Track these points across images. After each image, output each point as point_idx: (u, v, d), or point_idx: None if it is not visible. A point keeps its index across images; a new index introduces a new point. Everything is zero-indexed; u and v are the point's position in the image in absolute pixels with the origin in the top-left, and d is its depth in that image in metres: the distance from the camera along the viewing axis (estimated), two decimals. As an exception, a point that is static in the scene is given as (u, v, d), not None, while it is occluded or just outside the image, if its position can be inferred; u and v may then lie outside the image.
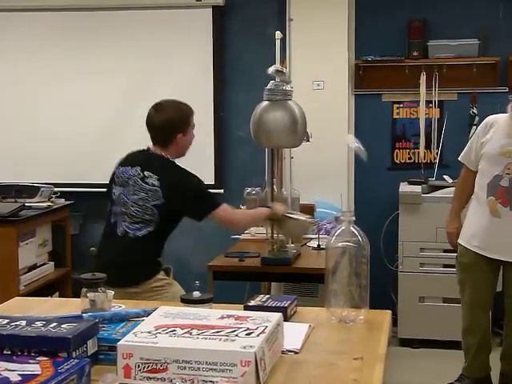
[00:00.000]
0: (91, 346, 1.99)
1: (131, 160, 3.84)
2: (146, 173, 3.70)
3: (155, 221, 3.68)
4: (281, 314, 2.14)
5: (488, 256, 4.28)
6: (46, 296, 4.92)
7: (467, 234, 4.39)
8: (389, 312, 2.61)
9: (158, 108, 3.86)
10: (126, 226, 3.69)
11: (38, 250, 5.54)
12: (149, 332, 1.95)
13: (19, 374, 1.73)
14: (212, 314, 2.10)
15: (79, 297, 2.41)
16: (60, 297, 5.49)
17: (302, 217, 4.25)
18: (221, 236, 4.87)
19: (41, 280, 5.50)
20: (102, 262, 3.36)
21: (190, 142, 3.94)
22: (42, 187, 5.62)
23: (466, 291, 4.43)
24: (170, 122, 3.81)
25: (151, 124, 3.85)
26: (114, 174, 3.86)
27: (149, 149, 3.85)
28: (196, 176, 3.80)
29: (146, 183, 3.67)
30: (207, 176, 6.03)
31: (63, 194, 5.89)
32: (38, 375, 1.73)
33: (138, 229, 3.68)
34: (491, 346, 4.54)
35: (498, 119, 4.32)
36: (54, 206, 5.69)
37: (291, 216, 4.13)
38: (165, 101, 3.91)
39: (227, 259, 4.39)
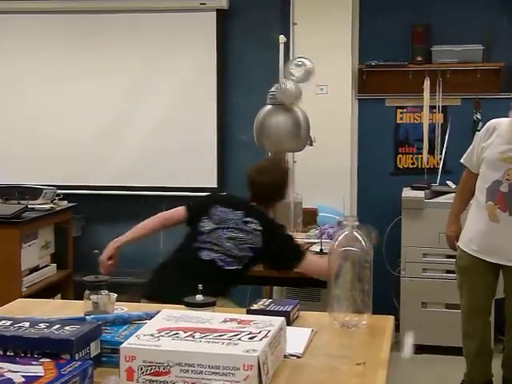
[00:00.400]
0: (94, 349, 1.99)
1: (233, 204, 3.90)
2: (248, 219, 3.79)
3: (245, 262, 3.76)
4: (284, 318, 2.14)
5: (486, 259, 4.28)
6: (48, 298, 4.92)
7: (466, 237, 4.39)
8: (392, 317, 2.60)
9: (266, 174, 3.97)
10: (216, 256, 3.73)
11: (40, 251, 5.54)
12: (151, 335, 1.95)
13: (22, 376, 1.73)
14: (215, 318, 2.10)
15: (81, 299, 2.41)
16: (62, 299, 5.48)
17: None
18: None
19: (43, 282, 5.50)
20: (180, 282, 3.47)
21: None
22: (45, 189, 5.63)
23: (463, 295, 4.44)
24: (277, 191, 3.97)
25: (260, 187, 3.94)
26: (206, 208, 3.88)
27: (248, 200, 3.95)
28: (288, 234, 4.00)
29: (248, 227, 3.77)
30: (210, 179, 6.07)
31: (66, 196, 5.89)
32: (40, 377, 1.73)
33: (227, 263, 3.73)
34: (492, 351, 4.54)
35: (500, 124, 4.30)
36: (57, 208, 5.69)
37: None
38: (266, 163, 4.16)
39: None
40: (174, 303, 2.57)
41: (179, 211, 4.01)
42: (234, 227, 3.78)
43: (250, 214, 3.82)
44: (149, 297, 3.65)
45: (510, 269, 4.27)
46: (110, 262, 4.00)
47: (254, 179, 3.95)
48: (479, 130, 5.32)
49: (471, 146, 4.44)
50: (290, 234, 4.02)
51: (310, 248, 4.80)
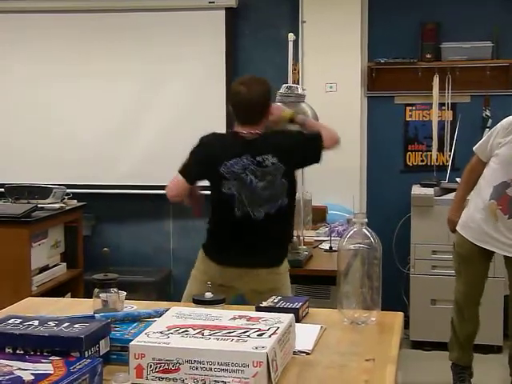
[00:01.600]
0: (103, 346, 1.99)
1: (234, 150, 3.65)
2: (258, 158, 3.61)
3: (288, 190, 3.66)
4: (293, 315, 2.14)
5: (485, 247, 4.40)
6: (58, 297, 4.93)
7: (466, 224, 4.48)
8: (401, 314, 2.60)
9: (246, 85, 3.69)
10: (264, 209, 3.62)
11: (50, 251, 5.55)
12: (161, 332, 1.95)
13: (32, 374, 1.73)
14: (224, 315, 2.11)
15: (91, 298, 2.42)
16: (72, 298, 5.49)
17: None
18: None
19: (53, 281, 5.51)
20: (240, 248, 3.64)
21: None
22: (55, 188, 5.64)
23: (462, 281, 4.53)
24: (262, 98, 3.69)
25: (242, 102, 3.67)
26: (215, 169, 3.64)
27: (239, 132, 3.70)
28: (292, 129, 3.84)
29: (266, 166, 3.60)
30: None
31: (76, 196, 5.90)
32: (50, 374, 1.73)
33: (277, 205, 3.63)
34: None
35: None
36: (67, 208, 5.70)
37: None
38: (248, 77, 3.81)
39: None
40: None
41: (181, 186, 3.76)
42: (253, 173, 3.60)
43: (255, 152, 3.61)
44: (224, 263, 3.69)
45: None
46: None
47: (241, 99, 3.66)
48: (489, 127, 5.39)
49: (486, 137, 4.45)
50: (294, 132, 3.83)
51: (319, 246, 4.82)
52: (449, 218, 4.64)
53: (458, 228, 4.53)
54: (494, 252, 4.48)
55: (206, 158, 3.73)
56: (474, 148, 4.49)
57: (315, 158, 3.75)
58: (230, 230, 3.71)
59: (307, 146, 3.73)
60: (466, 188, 4.57)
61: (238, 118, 3.72)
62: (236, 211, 3.63)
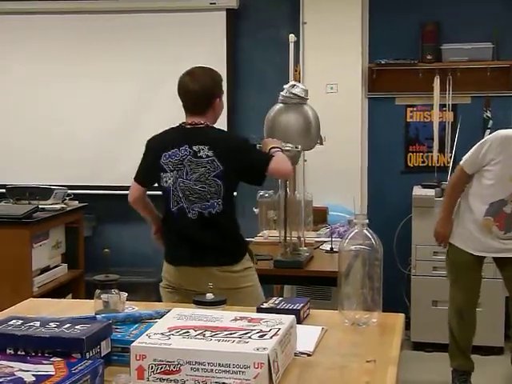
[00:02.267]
0: (105, 347, 2.00)
1: (173, 141, 3.66)
2: (194, 148, 3.57)
3: (221, 194, 3.58)
4: (294, 316, 2.14)
5: (483, 255, 4.52)
6: (59, 298, 4.93)
7: (460, 235, 4.56)
8: (402, 315, 2.60)
9: (192, 75, 3.73)
10: (197, 207, 3.57)
11: (51, 251, 5.55)
12: (162, 333, 1.95)
13: (33, 375, 1.73)
14: (225, 316, 2.10)
15: (92, 299, 2.42)
16: (73, 299, 5.49)
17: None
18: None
19: (54, 282, 5.51)
20: (183, 249, 3.61)
21: (223, 108, 3.85)
22: (56, 189, 5.64)
23: (459, 289, 4.59)
24: (207, 87, 3.67)
25: (188, 91, 3.69)
26: (157, 163, 3.65)
27: (184, 123, 3.71)
28: (241, 135, 3.78)
29: (201, 157, 3.55)
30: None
31: (77, 196, 5.90)
32: (51, 376, 1.73)
33: (209, 206, 3.57)
34: None
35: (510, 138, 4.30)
36: (68, 208, 5.70)
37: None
38: (196, 68, 3.79)
39: (240, 262, 4.38)
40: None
41: (134, 190, 3.90)
42: (190, 167, 3.56)
43: (194, 141, 3.58)
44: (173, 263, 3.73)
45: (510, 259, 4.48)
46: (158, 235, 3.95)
47: (184, 88, 3.71)
48: (490, 128, 5.40)
49: (474, 152, 4.43)
50: (241, 139, 3.81)
51: (320, 247, 4.81)
52: (438, 232, 4.66)
53: (452, 240, 4.59)
54: (484, 257, 4.58)
55: (148, 154, 3.78)
56: (462, 163, 4.50)
57: (254, 175, 3.66)
58: (173, 226, 3.71)
59: (251, 156, 3.65)
60: (451, 201, 4.62)
61: (184, 109, 3.75)
62: (172, 206, 3.64)
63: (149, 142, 3.82)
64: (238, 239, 3.74)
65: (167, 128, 3.83)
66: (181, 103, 6.20)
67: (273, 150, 3.73)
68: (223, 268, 3.59)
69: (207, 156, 3.55)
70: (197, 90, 3.66)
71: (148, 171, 3.77)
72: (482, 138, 4.71)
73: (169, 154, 3.61)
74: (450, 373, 4.73)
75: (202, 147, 3.56)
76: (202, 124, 3.65)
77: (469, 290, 4.59)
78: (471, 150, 4.47)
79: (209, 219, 3.59)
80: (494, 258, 4.59)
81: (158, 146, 3.72)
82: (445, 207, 4.65)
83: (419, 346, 5.56)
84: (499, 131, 4.39)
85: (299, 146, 4.06)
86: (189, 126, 3.68)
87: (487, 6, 5.85)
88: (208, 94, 3.67)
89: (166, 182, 3.63)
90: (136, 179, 3.85)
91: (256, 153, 3.73)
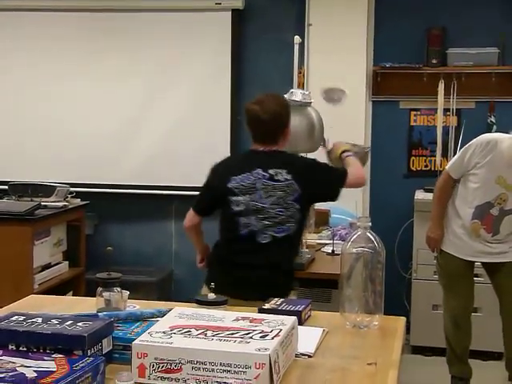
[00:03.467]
0: (106, 345, 2.00)
1: (242, 165, 3.57)
2: (270, 171, 3.49)
3: (297, 218, 3.52)
4: (295, 317, 2.14)
5: (475, 260, 4.54)
6: (60, 295, 4.93)
7: (450, 241, 4.58)
8: (403, 319, 2.60)
9: (262, 104, 3.58)
10: (271, 230, 3.48)
11: (52, 249, 5.56)
12: (164, 332, 1.96)
13: (35, 371, 1.74)
14: (227, 316, 2.11)
15: (93, 297, 2.42)
16: (73, 296, 5.49)
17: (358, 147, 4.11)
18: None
19: (55, 279, 5.52)
20: (251, 278, 3.44)
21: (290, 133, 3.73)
22: (58, 187, 5.64)
23: (453, 297, 4.62)
24: (278, 116, 3.58)
25: (260, 122, 3.56)
26: (223, 188, 3.53)
27: (254, 150, 3.63)
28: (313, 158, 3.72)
29: (278, 180, 3.48)
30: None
31: (79, 194, 5.90)
32: (53, 372, 1.73)
33: (285, 230, 3.50)
34: None
35: (498, 142, 4.30)
36: (70, 206, 5.71)
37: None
38: (264, 96, 3.67)
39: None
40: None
41: (190, 218, 3.77)
42: (267, 190, 3.47)
43: (268, 165, 3.50)
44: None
45: (501, 265, 4.51)
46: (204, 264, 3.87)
47: (255, 118, 3.57)
48: (493, 134, 5.36)
49: (459, 157, 4.47)
50: (314, 160, 3.70)
51: (321, 249, 4.81)
52: (431, 237, 4.67)
53: (442, 247, 4.61)
54: (474, 263, 4.60)
55: (213, 181, 3.65)
56: (447, 168, 4.55)
57: (331, 194, 3.62)
58: (235, 252, 3.55)
59: (328, 176, 3.62)
60: (440, 206, 4.63)
61: (254, 138, 3.64)
62: (241, 229, 3.50)
63: (213, 166, 3.70)
64: (291, 272, 3.71)
65: (232, 155, 3.85)
66: (185, 104, 6.25)
67: (344, 154, 3.75)
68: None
69: (286, 180, 3.48)
70: (268, 121, 3.55)
71: (211, 201, 3.66)
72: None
73: (240, 177, 3.51)
74: (450, 378, 4.74)
75: (280, 171, 3.48)
76: (274, 151, 3.58)
77: (462, 297, 4.61)
78: (456, 155, 4.54)
79: (281, 241, 3.50)
80: (484, 265, 4.61)
81: (224, 172, 3.60)
82: (434, 213, 4.66)
83: (419, 350, 5.56)
84: (483, 135, 4.43)
85: (368, 147, 4.04)
86: (258, 151, 3.59)
87: (493, 11, 5.84)
88: (279, 123, 3.59)
89: (238, 205, 3.50)
90: (195, 209, 3.75)
91: (331, 171, 3.67)
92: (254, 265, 3.48)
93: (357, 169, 3.69)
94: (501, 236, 4.43)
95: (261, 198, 3.47)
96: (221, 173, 3.62)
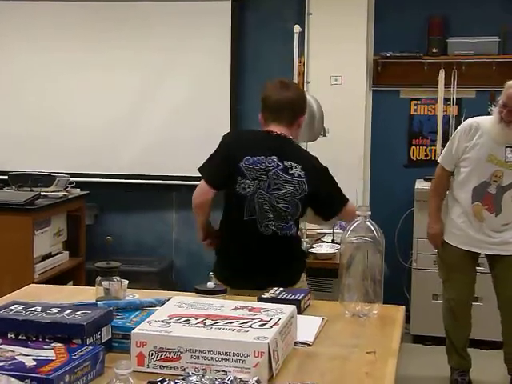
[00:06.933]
0: (105, 334, 2.00)
1: (261, 148, 3.34)
2: (286, 163, 3.30)
3: (296, 216, 3.37)
4: (294, 306, 2.14)
5: (476, 251, 4.53)
6: (60, 285, 4.94)
7: (451, 232, 4.57)
8: (402, 307, 2.61)
9: (284, 83, 3.46)
10: (273, 224, 3.31)
11: (52, 239, 5.55)
12: (163, 321, 1.96)
13: (34, 359, 1.74)
14: (226, 305, 2.11)
15: (93, 287, 2.42)
16: (74, 286, 5.50)
17: None
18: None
19: (55, 269, 5.51)
20: (245, 264, 3.32)
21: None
22: (58, 177, 5.64)
23: (451, 289, 4.60)
24: (301, 98, 3.46)
25: (282, 98, 3.39)
26: (235, 165, 3.31)
27: (271, 132, 3.39)
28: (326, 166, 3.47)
29: (292, 175, 3.29)
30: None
31: (79, 184, 5.90)
32: (52, 361, 1.74)
33: (287, 228, 3.34)
34: None
35: (481, 123, 4.40)
36: (70, 196, 5.70)
37: None
38: (287, 79, 3.59)
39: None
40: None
41: (204, 192, 3.38)
42: (278, 181, 3.28)
43: (285, 155, 3.30)
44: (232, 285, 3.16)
45: (500, 258, 4.49)
46: (207, 242, 3.58)
47: (276, 96, 3.40)
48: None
49: (448, 147, 4.56)
50: (327, 168, 3.45)
51: (321, 238, 4.82)
52: (432, 233, 4.68)
53: (445, 238, 4.61)
54: (479, 254, 4.59)
55: (225, 152, 3.41)
56: (439, 161, 4.61)
57: (328, 208, 3.45)
58: (238, 239, 3.41)
59: (333, 189, 3.42)
60: (437, 200, 4.66)
61: (269, 116, 3.44)
62: (245, 216, 3.32)
63: (226, 137, 3.51)
64: (300, 256, 3.57)
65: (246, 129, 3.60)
66: (185, 94, 6.24)
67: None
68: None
69: (299, 176, 3.29)
70: (292, 98, 3.40)
71: (224, 172, 3.38)
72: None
73: (253, 159, 3.31)
74: (442, 366, 4.75)
75: (295, 165, 3.30)
76: (291, 139, 3.40)
77: (461, 289, 4.61)
78: (445, 147, 4.61)
79: (282, 240, 3.35)
80: (486, 256, 4.60)
81: (238, 146, 3.41)
82: (430, 208, 4.68)
83: (419, 339, 5.56)
84: (465, 121, 4.55)
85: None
86: (276, 134, 3.37)
87: (494, 0, 5.82)
88: (299, 107, 3.45)
89: (244, 189, 3.30)
90: (207, 179, 3.40)
91: (339, 190, 3.44)
92: (255, 256, 3.36)
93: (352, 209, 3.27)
94: (504, 216, 4.41)
95: (268, 187, 3.29)
96: (235, 146, 3.41)
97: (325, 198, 3.39)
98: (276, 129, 3.38)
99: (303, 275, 3.49)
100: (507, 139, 4.32)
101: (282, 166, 3.29)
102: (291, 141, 3.40)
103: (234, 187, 3.31)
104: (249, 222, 3.32)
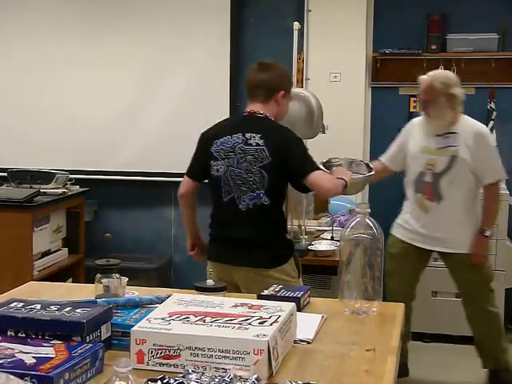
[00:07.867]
0: (105, 331, 2.00)
1: (228, 129, 3.52)
2: (247, 135, 3.43)
3: (265, 186, 3.41)
4: (294, 303, 2.14)
5: (422, 247, 4.54)
6: (59, 282, 4.93)
7: (401, 226, 4.64)
8: (402, 305, 2.61)
9: (262, 64, 3.58)
10: (247, 197, 3.43)
11: (52, 235, 5.55)
12: (162, 318, 1.96)
13: (33, 357, 1.74)
14: (225, 302, 2.11)
15: (92, 283, 2.42)
16: (73, 283, 5.50)
17: (361, 174, 3.90)
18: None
19: (54, 266, 5.52)
20: (233, 243, 3.46)
21: (287, 109, 3.66)
22: (58, 173, 5.64)
23: (392, 281, 4.52)
24: (273, 77, 3.52)
25: (253, 79, 3.55)
26: (207, 152, 3.52)
27: (245, 112, 3.56)
28: (298, 137, 3.53)
29: (250, 144, 3.41)
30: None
31: (78, 181, 5.90)
32: (51, 358, 1.74)
33: (255, 197, 3.42)
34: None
35: (414, 122, 4.66)
36: (69, 193, 5.70)
37: (357, 179, 3.76)
38: (267, 59, 3.66)
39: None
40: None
41: (184, 183, 3.72)
42: (240, 155, 3.42)
43: (248, 128, 3.44)
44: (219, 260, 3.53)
45: (449, 255, 4.53)
46: (195, 252, 3.90)
47: (251, 76, 3.57)
48: (493, 120, 5.40)
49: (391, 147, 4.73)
50: (299, 139, 3.52)
51: (321, 235, 4.82)
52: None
53: (392, 231, 4.67)
54: (428, 254, 4.63)
55: (201, 144, 3.63)
56: (382, 159, 4.73)
57: (296, 178, 3.46)
58: (221, 219, 3.56)
59: (297, 158, 3.43)
60: None
61: (247, 96, 3.60)
62: (223, 196, 3.48)
63: (202, 133, 3.68)
64: (281, 240, 3.58)
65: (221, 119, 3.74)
66: (184, 90, 6.23)
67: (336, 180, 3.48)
68: (257, 270, 3.42)
69: (257, 144, 3.40)
70: (262, 78, 3.51)
71: (200, 163, 3.62)
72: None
73: (220, 141, 3.48)
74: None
75: (254, 135, 3.42)
76: (260, 114, 3.50)
77: (399, 283, 4.57)
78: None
79: (255, 212, 3.43)
80: (441, 254, 4.61)
81: (210, 135, 3.59)
82: None
83: (418, 337, 5.55)
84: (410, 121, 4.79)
85: (370, 173, 3.91)
86: (246, 114, 3.55)
87: (493, -3, 5.83)
88: (272, 82, 3.51)
89: (218, 170, 3.48)
90: (188, 173, 3.71)
91: (303, 158, 3.45)
92: (236, 236, 3.47)
93: (327, 179, 3.45)
94: (448, 203, 4.40)
95: (237, 162, 3.43)
96: (207, 136, 3.60)
97: (292, 166, 3.42)
98: (251, 107, 3.54)
99: (288, 266, 3.50)
100: (435, 130, 4.45)
101: (244, 139, 3.44)
102: (258, 116, 3.50)
103: (210, 172, 3.52)
104: (229, 201, 3.48)
